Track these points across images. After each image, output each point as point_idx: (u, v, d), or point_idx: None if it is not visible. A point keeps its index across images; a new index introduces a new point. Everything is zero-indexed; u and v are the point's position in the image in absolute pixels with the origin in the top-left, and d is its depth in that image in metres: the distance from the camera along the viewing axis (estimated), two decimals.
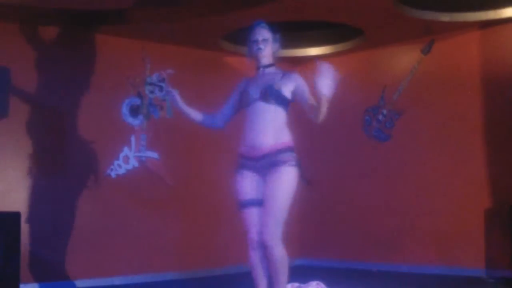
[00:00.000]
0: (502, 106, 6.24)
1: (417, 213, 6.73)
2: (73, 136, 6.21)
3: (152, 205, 6.60)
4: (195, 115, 3.86)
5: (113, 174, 6.41)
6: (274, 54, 3.70)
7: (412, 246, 6.74)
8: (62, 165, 6.12)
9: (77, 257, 5.99)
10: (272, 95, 3.53)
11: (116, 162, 6.44)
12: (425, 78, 6.79)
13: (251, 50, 3.67)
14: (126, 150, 6.53)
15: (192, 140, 6.60)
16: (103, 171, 6.34)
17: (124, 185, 6.44)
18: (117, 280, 6.26)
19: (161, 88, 7.05)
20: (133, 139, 6.59)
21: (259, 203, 3.54)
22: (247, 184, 3.58)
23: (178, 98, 3.84)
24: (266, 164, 3.52)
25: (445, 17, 6.18)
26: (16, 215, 5.16)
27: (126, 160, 6.51)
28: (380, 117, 7.14)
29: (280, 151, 3.51)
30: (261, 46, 3.62)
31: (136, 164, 6.57)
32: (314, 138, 7.20)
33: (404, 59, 7.03)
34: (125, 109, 6.57)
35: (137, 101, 6.64)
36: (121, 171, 6.47)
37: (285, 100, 3.57)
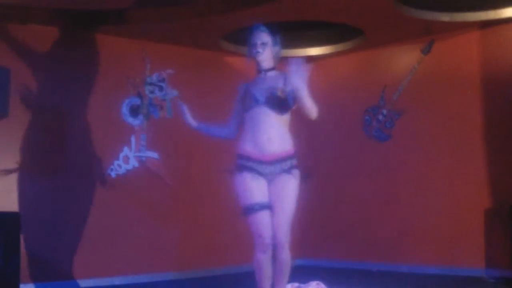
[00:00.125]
0: (502, 106, 6.24)
1: (417, 213, 6.73)
2: (73, 136, 6.21)
3: (152, 205, 6.60)
4: (206, 128, 3.86)
5: (113, 174, 6.41)
6: (274, 57, 3.69)
7: (412, 246, 6.74)
8: (62, 165, 6.12)
9: (77, 257, 5.99)
10: (278, 104, 3.54)
11: (116, 162, 6.44)
12: (425, 78, 6.79)
13: (250, 53, 3.67)
14: (126, 150, 6.53)
15: (192, 140, 6.58)
16: (103, 171, 6.33)
17: (124, 185, 6.44)
18: (117, 280, 6.26)
19: (161, 88, 7.09)
20: (133, 139, 6.59)
21: (270, 207, 3.58)
22: (258, 188, 3.58)
23: (187, 112, 3.81)
24: (275, 169, 3.57)
25: (445, 17, 6.18)
26: (16, 215, 5.17)
27: (126, 160, 6.51)
28: (380, 117, 7.14)
29: (289, 157, 3.60)
30: (260, 49, 3.61)
31: (136, 164, 6.58)
32: (314, 138, 7.20)
33: (404, 59, 7.03)
34: (125, 109, 6.57)
35: (137, 101, 6.64)
36: (121, 171, 6.47)
37: (289, 107, 3.59)
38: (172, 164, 6.79)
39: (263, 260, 3.58)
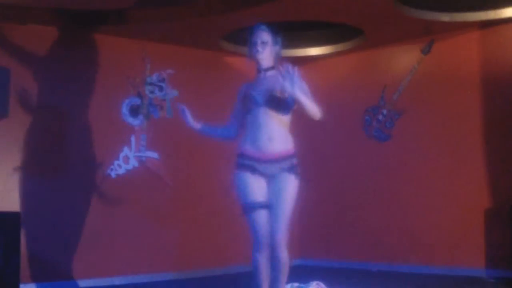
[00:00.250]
0: (502, 106, 6.24)
1: (417, 213, 6.73)
2: (73, 136, 6.21)
3: (152, 205, 6.61)
4: (207, 130, 3.85)
5: (113, 174, 6.41)
6: (275, 57, 3.69)
7: (412, 246, 6.74)
8: (62, 165, 6.12)
9: (77, 257, 5.99)
10: (277, 105, 3.54)
11: (116, 162, 6.44)
12: (425, 78, 6.79)
13: (250, 52, 3.67)
14: (126, 150, 6.53)
15: (192, 140, 6.57)
16: (103, 171, 6.34)
17: (124, 185, 6.44)
18: (117, 280, 6.26)
19: (161, 88, 7.09)
20: (133, 139, 6.59)
21: (267, 206, 3.57)
22: (257, 187, 3.58)
23: (188, 115, 3.80)
24: (274, 169, 3.56)
25: (445, 17, 6.18)
26: (16, 215, 5.17)
27: (126, 160, 6.52)
28: (380, 117, 7.14)
29: (288, 157, 3.59)
30: (260, 48, 3.61)
31: (136, 164, 6.58)
32: (314, 138, 7.20)
33: (404, 59, 7.04)
34: (125, 109, 6.57)
35: (137, 101, 6.64)
36: (121, 171, 6.47)
37: (289, 107, 3.58)
38: (172, 164, 6.79)
39: (260, 259, 3.57)
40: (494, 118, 6.30)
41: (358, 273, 6.67)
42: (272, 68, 3.67)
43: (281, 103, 3.54)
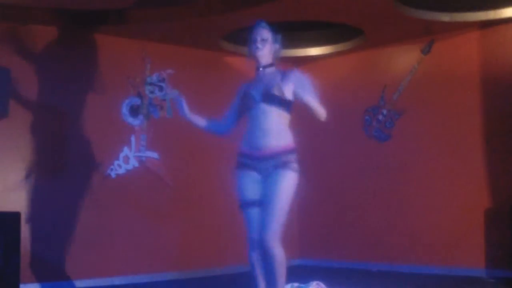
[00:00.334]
0: (502, 106, 6.24)
1: (417, 213, 6.73)
2: (73, 136, 6.21)
3: (152, 205, 6.61)
4: (200, 122, 3.84)
5: (113, 174, 6.41)
6: (274, 55, 3.69)
7: (412, 246, 6.74)
8: (62, 165, 6.12)
9: (77, 257, 5.99)
10: (273, 101, 3.53)
11: (116, 162, 6.44)
12: (425, 78, 6.79)
13: (250, 49, 3.67)
14: (126, 150, 6.53)
15: (192, 140, 6.60)
16: (103, 171, 6.34)
17: (124, 185, 6.44)
18: (117, 280, 6.26)
19: (161, 88, 7.09)
20: (133, 139, 6.59)
21: (260, 203, 3.54)
22: (249, 184, 3.58)
23: (184, 104, 3.79)
24: (268, 165, 3.53)
25: (445, 17, 6.18)
26: (16, 215, 5.16)
27: (126, 160, 6.52)
28: (380, 117, 7.14)
29: (283, 153, 3.53)
30: (259, 45, 3.61)
31: (136, 164, 6.58)
32: (314, 138, 7.20)
33: (404, 59, 7.03)
34: (125, 109, 6.57)
35: (137, 101, 6.64)
36: (121, 171, 6.47)
37: (287, 103, 3.58)
38: (172, 164, 6.79)
39: (254, 257, 3.57)
40: (494, 118, 6.30)
41: (358, 273, 6.67)
42: (271, 65, 3.68)
43: (278, 101, 3.54)
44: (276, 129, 3.55)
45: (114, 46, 6.48)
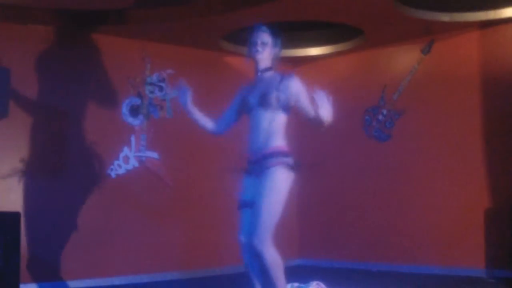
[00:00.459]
0: (502, 106, 6.24)
1: (417, 213, 6.73)
2: (73, 136, 6.21)
3: (152, 205, 6.61)
4: (197, 116, 3.85)
5: (113, 174, 6.41)
6: (273, 58, 3.69)
7: (412, 246, 6.74)
8: (62, 165, 6.12)
9: (77, 257, 5.99)
10: (269, 106, 3.54)
11: (116, 162, 6.44)
12: (425, 78, 6.79)
13: (250, 52, 3.68)
14: (126, 150, 6.53)
15: (192, 140, 6.60)
16: (103, 171, 6.34)
17: (124, 185, 6.44)
18: (117, 280, 6.26)
19: (161, 88, 7.09)
20: (133, 139, 6.59)
21: (252, 205, 3.53)
22: (246, 187, 3.61)
23: (188, 94, 3.81)
24: (259, 168, 3.54)
25: (445, 17, 6.18)
26: (16, 215, 5.16)
27: (126, 160, 6.52)
28: (380, 117, 7.14)
29: (270, 155, 3.51)
30: (259, 48, 3.62)
31: (136, 164, 6.58)
32: (314, 138, 7.20)
33: (404, 59, 7.04)
34: (125, 109, 6.57)
35: (137, 101, 6.64)
36: (121, 171, 6.47)
37: (282, 107, 3.57)
38: (172, 164, 6.79)
39: (245, 258, 3.57)
40: (494, 118, 6.30)
41: (358, 273, 6.67)
42: (269, 69, 3.68)
43: (274, 105, 3.54)
44: (269, 132, 3.55)
45: (114, 46, 6.48)
